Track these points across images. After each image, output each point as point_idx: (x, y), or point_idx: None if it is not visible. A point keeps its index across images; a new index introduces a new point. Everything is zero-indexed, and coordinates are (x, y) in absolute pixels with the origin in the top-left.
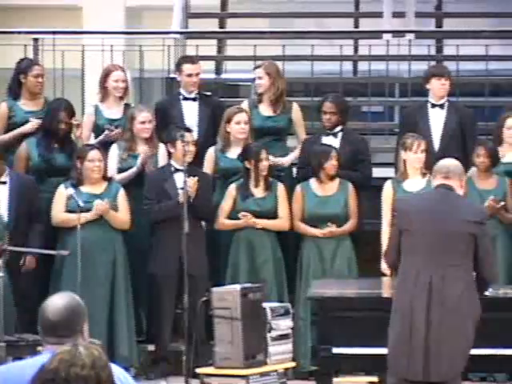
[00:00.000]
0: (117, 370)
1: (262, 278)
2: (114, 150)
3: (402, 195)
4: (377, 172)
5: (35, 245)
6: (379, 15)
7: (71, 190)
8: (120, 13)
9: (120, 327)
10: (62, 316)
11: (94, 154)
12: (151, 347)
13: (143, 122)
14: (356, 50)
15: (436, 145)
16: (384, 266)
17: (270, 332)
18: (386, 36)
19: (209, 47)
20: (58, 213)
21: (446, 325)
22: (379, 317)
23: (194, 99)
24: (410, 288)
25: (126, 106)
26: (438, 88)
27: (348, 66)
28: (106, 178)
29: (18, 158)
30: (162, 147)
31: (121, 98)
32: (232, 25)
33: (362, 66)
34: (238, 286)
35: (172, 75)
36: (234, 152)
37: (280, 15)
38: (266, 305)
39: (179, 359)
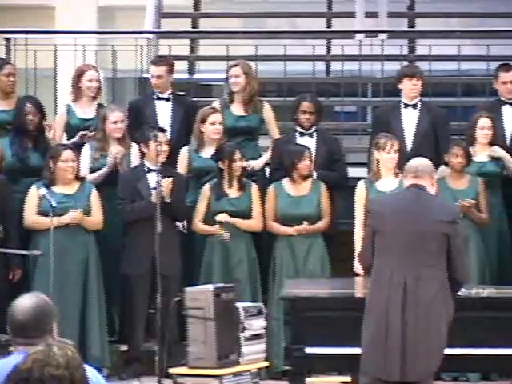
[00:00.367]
0: (89, 371)
1: (235, 278)
2: (87, 150)
3: (374, 195)
4: (350, 172)
5: (10, 245)
6: (352, 15)
7: (44, 190)
8: (92, 12)
9: (92, 327)
10: (30, 316)
11: (68, 154)
12: (124, 347)
13: (115, 122)
14: (329, 50)
15: (409, 145)
16: (357, 266)
17: (243, 332)
18: (358, 36)
19: (182, 47)
20: (30, 215)
21: (421, 325)
22: (352, 317)
23: (167, 99)
24: (384, 288)
25: (99, 105)
26: (409, 88)
27: (321, 66)
28: (78, 178)
29: None
30: (134, 147)
31: (94, 98)
32: (205, 25)
33: (335, 65)
34: (211, 286)
35: (145, 75)
36: (207, 152)
37: (253, 15)
38: (239, 305)
39: (152, 359)
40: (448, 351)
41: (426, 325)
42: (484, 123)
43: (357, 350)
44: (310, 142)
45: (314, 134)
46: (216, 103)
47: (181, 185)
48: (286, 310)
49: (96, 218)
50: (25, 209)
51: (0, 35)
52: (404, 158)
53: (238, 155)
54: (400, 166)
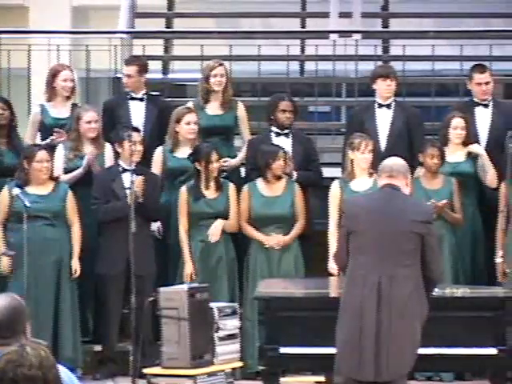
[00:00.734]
0: (62, 371)
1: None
2: (60, 150)
3: (349, 195)
4: (324, 172)
5: None
6: (326, 15)
7: (17, 191)
8: (66, 12)
9: (65, 328)
10: (3, 316)
11: (42, 154)
12: (98, 347)
13: (89, 122)
14: (303, 50)
15: (383, 145)
16: (332, 266)
17: (217, 332)
18: (332, 36)
19: (156, 47)
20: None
21: (395, 325)
22: (327, 316)
23: (141, 99)
24: (359, 289)
25: (73, 105)
26: (383, 88)
27: (295, 66)
28: (52, 178)
29: None
30: (108, 147)
31: (68, 98)
32: (179, 25)
33: (309, 66)
34: (185, 286)
35: (118, 75)
36: (182, 152)
37: (227, 15)
38: (213, 305)
39: (126, 359)
40: (422, 351)
41: (400, 325)
42: (457, 123)
43: (331, 350)
44: (285, 142)
45: (290, 134)
46: (190, 103)
47: (155, 185)
48: (260, 309)
49: (73, 218)
50: None
51: None
52: (378, 157)
53: (214, 156)
54: (374, 166)
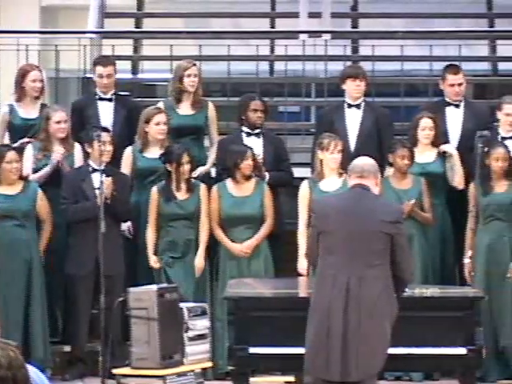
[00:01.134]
0: (32, 371)
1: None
2: (30, 150)
3: (318, 195)
4: (293, 172)
5: None
6: (295, 15)
7: None
8: (35, 12)
9: (35, 328)
10: None
11: (12, 155)
12: (67, 348)
13: (59, 122)
14: (272, 50)
15: (352, 145)
16: (301, 266)
17: (186, 332)
18: (302, 36)
19: (125, 47)
20: None
21: (363, 325)
22: (296, 316)
23: (109, 99)
24: (327, 289)
25: (42, 105)
26: (352, 89)
27: (264, 66)
28: (22, 177)
29: None
30: (77, 147)
31: (37, 98)
32: (148, 25)
33: (279, 66)
34: (154, 287)
35: (88, 75)
36: (152, 152)
37: (196, 15)
38: (182, 305)
39: (96, 360)
40: (391, 351)
41: (369, 325)
42: (425, 124)
43: (300, 350)
44: (256, 143)
45: (261, 134)
46: (161, 103)
47: (124, 185)
48: (229, 310)
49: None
50: None
51: None
52: (348, 158)
53: (185, 158)
54: (343, 166)
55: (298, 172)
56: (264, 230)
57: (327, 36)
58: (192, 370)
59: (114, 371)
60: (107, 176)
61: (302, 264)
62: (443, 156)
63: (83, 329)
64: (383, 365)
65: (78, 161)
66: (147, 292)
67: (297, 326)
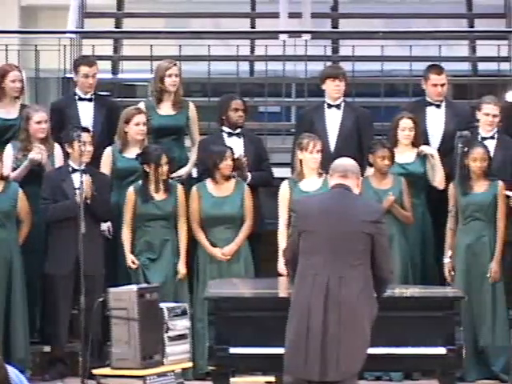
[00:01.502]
0: (11, 372)
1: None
2: (9, 150)
3: (298, 195)
4: (274, 172)
5: None
6: (275, 16)
7: None
8: (15, 12)
9: (16, 329)
10: None
11: None
12: (47, 348)
13: (39, 122)
14: (252, 50)
15: (332, 145)
16: (281, 266)
17: (167, 332)
18: (282, 36)
19: (105, 47)
20: None
21: (343, 325)
22: (276, 317)
23: (89, 99)
24: (307, 289)
25: (22, 106)
26: (332, 89)
27: (245, 66)
28: (2, 177)
29: None
30: (57, 148)
31: (16, 98)
32: (128, 25)
33: (259, 66)
34: (134, 287)
35: (68, 75)
36: (131, 152)
37: (176, 15)
38: (162, 305)
39: (75, 360)
40: (371, 351)
41: (349, 325)
42: (405, 124)
43: (281, 350)
44: (237, 143)
45: (242, 134)
46: (142, 103)
47: (104, 185)
48: (209, 310)
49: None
50: None
51: None
52: (328, 158)
53: (164, 159)
54: (323, 166)
55: (278, 172)
56: (244, 232)
57: (307, 36)
58: (172, 371)
59: (94, 371)
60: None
61: (283, 264)
62: (423, 157)
63: (63, 329)
64: (363, 365)
65: (59, 161)
66: (127, 292)
67: (277, 326)
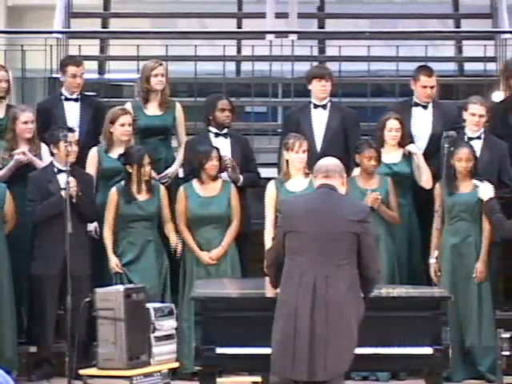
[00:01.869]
0: None
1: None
2: None
3: (285, 195)
4: (260, 172)
5: None
6: (262, 16)
7: None
8: (1, 12)
9: (4, 329)
10: None
11: None
12: (33, 348)
13: (26, 122)
14: (239, 50)
15: (318, 145)
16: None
17: (153, 332)
18: (269, 37)
19: (91, 47)
20: None
21: (330, 325)
22: (263, 317)
23: (76, 100)
24: (294, 289)
25: (8, 106)
26: (318, 89)
27: (231, 66)
28: None
29: None
30: (44, 148)
31: (2, 98)
32: (115, 25)
33: (245, 66)
34: (121, 287)
35: (54, 75)
36: (117, 152)
37: (163, 15)
38: (149, 305)
39: (62, 360)
40: (358, 351)
41: (336, 324)
42: (392, 125)
43: (267, 351)
44: (224, 143)
45: (228, 134)
46: (128, 104)
47: (89, 185)
48: (196, 310)
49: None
50: None
51: None
52: (314, 158)
53: (146, 160)
54: (310, 167)
55: (264, 172)
56: (230, 233)
57: (294, 36)
58: (159, 371)
59: (81, 372)
60: (73, 176)
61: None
62: (409, 156)
63: (50, 329)
64: (350, 365)
65: (46, 161)
66: (114, 292)
67: (264, 327)
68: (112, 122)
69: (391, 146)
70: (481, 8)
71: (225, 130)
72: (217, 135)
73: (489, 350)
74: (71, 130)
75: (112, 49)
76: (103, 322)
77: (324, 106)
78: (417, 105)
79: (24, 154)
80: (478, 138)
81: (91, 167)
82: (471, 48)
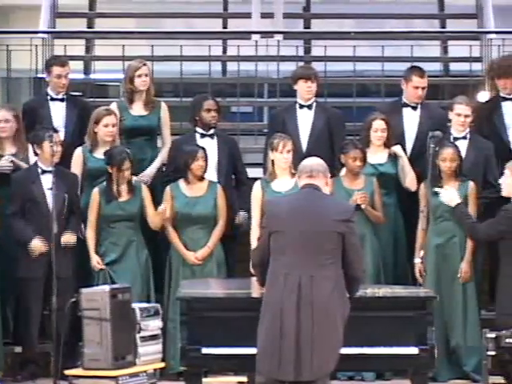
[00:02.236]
0: None
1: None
2: None
3: (270, 195)
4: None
5: None
6: (248, 16)
7: None
8: None
9: None
10: None
11: None
12: (18, 349)
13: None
14: (225, 50)
15: (304, 145)
16: None
17: (139, 333)
18: (254, 37)
19: (77, 47)
20: None
21: (316, 325)
22: (249, 317)
23: (61, 100)
24: (279, 289)
25: None
26: (304, 90)
27: (217, 66)
28: None
29: None
30: (30, 148)
31: None
32: (100, 25)
33: (231, 66)
34: (106, 287)
35: (40, 75)
36: (101, 152)
37: (149, 15)
38: (135, 305)
39: (48, 361)
40: (344, 351)
41: (321, 324)
42: (378, 125)
43: (253, 351)
44: (211, 143)
45: (215, 135)
46: (113, 105)
47: (74, 185)
48: (182, 310)
49: None
50: None
51: None
52: (300, 158)
53: (127, 165)
54: (295, 167)
55: (250, 172)
56: (216, 234)
57: (279, 36)
58: (144, 371)
59: (66, 372)
60: (57, 177)
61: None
62: (395, 157)
63: (34, 330)
64: (336, 364)
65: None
66: (99, 293)
67: (249, 327)
68: (96, 123)
69: (377, 147)
70: (466, 8)
71: (211, 131)
72: (203, 136)
73: (474, 350)
74: (55, 130)
75: (98, 49)
76: (89, 323)
77: (309, 106)
78: (406, 105)
79: (12, 162)
80: (464, 137)
81: (76, 167)
82: (457, 48)
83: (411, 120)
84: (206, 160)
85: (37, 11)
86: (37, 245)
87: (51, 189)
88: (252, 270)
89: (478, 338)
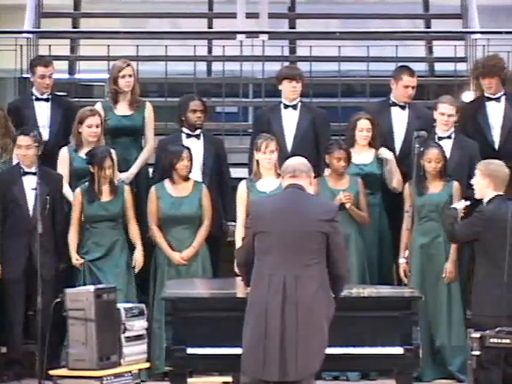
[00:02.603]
0: None
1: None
2: None
3: (256, 195)
4: (232, 173)
5: None
6: (233, 16)
7: None
8: None
9: None
10: None
11: None
12: (3, 349)
13: None
14: (210, 50)
15: (289, 145)
16: None
17: (124, 333)
18: (239, 37)
19: (62, 47)
20: None
21: (301, 325)
22: (234, 317)
23: (46, 100)
24: (264, 289)
25: None
26: (288, 90)
27: (202, 66)
28: None
29: None
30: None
31: None
32: (85, 25)
33: (216, 66)
34: (91, 287)
35: (25, 75)
36: (86, 152)
37: (134, 15)
38: (120, 305)
39: (32, 361)
40: (329, 351)
41: (306, 324)
42: (363, 125)
43: (238, 351)
44: (197, 144)
45: (201, 135)
46: (98, 105)
47: (58, 185)
48: (167, 310)
49: None
50: None
51: None
52: (285, 158)
53: (108, 163)
54: (281, 167)
55: (235, 172)
56: (201, 234)
57: (265, 36)
58: (129, 371)
59: (51, 372)
60: (41, 177)
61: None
62: (381, 160)
63: (18, 330)
64: (321, 364)
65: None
66: (84, 293)
67: (234, 327)
68: (80, 123)
69: (362, 147)
70: (451, 8)
71: (197, 131)
72: (189, 136)
73: (459, 349)
74: (24, 133)
75: (82, 49)
76: (74, 323)
77: (294, 107)
78: (394, 105)
79: None
80: (449, 137)
81: (63, 167)
82: (442, 48)
83: (400, 119)
84: (191, 160)
85: (22, 11)
86: None
87: (35, 189)
88: (237, 270)
89: (462, 338)
